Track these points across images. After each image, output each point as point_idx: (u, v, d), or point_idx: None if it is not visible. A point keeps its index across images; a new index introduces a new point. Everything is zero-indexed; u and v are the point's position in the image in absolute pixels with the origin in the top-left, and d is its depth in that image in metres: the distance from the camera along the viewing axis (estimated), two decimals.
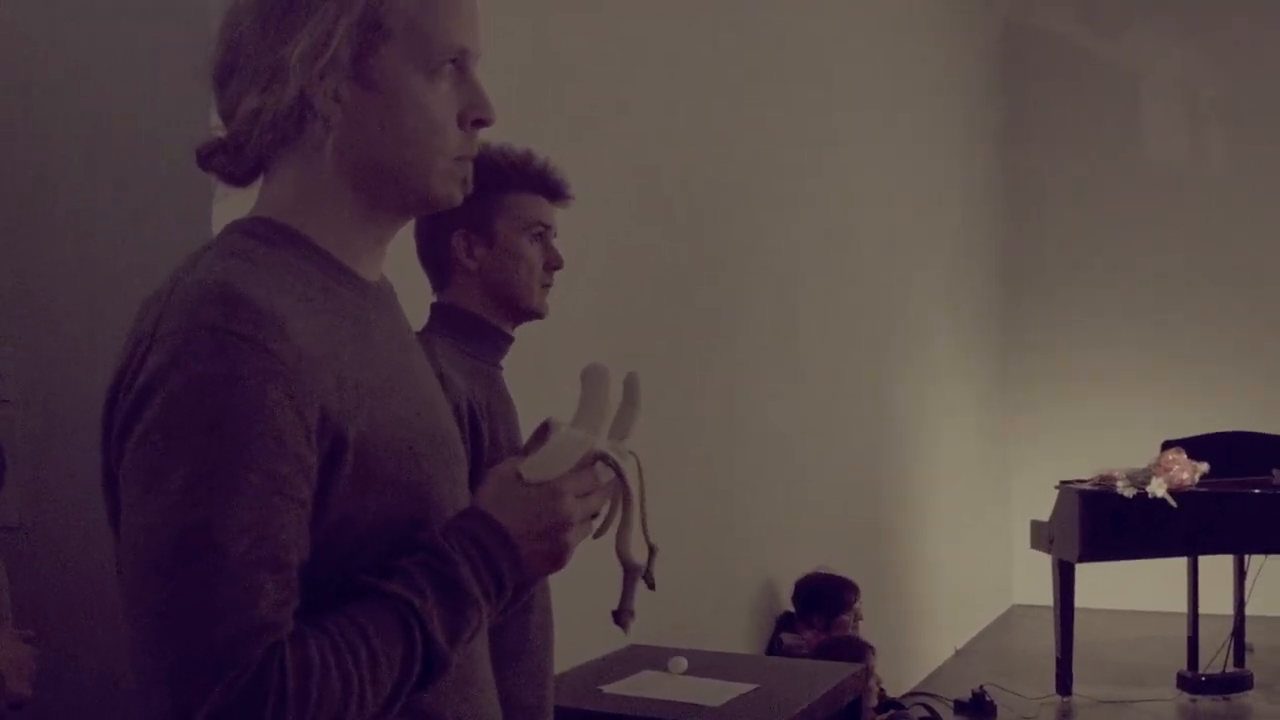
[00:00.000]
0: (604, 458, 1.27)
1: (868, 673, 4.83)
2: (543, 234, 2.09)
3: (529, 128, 2.22)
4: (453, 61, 1.24)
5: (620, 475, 1.29)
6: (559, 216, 2.14)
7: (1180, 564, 6.50)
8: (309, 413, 1.11)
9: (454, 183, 1.26)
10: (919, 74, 7.31)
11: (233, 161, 1.24)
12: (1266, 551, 6.22)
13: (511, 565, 1.19)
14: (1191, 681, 6.29)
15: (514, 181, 2.06)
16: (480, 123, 1.26)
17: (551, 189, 2.11)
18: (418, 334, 1.59)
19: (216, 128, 1.25)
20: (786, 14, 5.41)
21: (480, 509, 1.21)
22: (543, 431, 1.27)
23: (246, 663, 1.04)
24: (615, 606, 1.36)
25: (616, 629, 1.37)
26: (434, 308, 2.10)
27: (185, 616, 1.04)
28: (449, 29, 1.23)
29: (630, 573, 1.35)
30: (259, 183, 1.27)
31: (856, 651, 4.55)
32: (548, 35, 3.57)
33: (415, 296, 1.94)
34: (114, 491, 1.16)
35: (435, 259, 2.09)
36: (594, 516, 1.27)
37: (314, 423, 1.11)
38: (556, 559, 1.23)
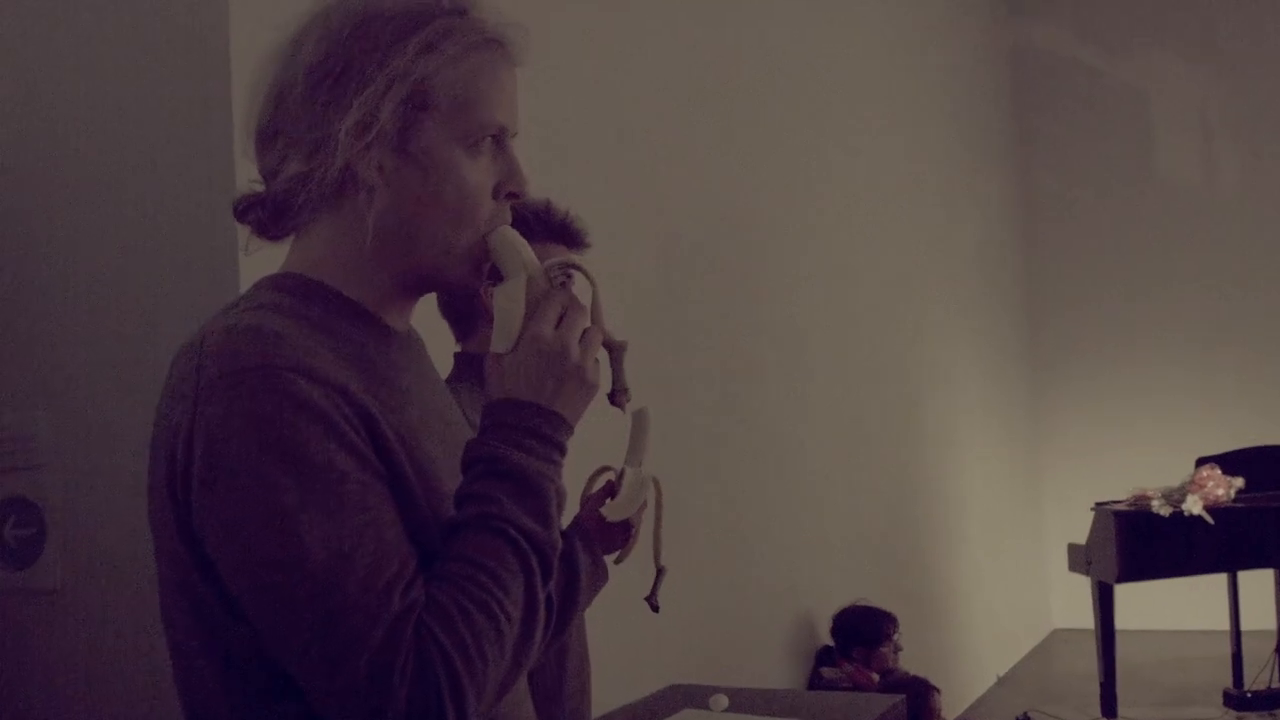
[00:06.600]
0: (549, 270, 1.30)
1: (931, 714, 4.81)
2: (565, 283, 2.10)
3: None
4: (492, 137, 1.27)
5: (578, 267, 1.35)
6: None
7: (1220, 581, 6.44)
8: (359, 422, 1.15)
9: (474, 267, 1.29)
10: (927, 101, 7.33)
11: (271, 218, 1.27)
12: None
13: (547, 421, 1.23)
14: (1238, 699, 6.22)
15: (537, 231, 2.07)
16: (513, 195, 1.30)
17: (573, 237, 2.12)
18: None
19: (255, 181, 1.28)
20: (790, 46, 5.44)
21: (490, 402, 1.25)
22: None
23: (406, 654, 1.08)
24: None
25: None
26: (458, 357, 2.10)
27: (338, 639, 1.08)
28: (491, 106, 1.26)
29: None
30: (289, 238, 1.30)
31: (920, 692, 4.58)
32: (544, 76, 3.60)
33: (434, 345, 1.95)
34: (168, 545, 1.17)
35: (457, 310, 2.10)
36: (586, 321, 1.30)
37: (364, 433, 1.15)
38: (582, 385, 1.26)
